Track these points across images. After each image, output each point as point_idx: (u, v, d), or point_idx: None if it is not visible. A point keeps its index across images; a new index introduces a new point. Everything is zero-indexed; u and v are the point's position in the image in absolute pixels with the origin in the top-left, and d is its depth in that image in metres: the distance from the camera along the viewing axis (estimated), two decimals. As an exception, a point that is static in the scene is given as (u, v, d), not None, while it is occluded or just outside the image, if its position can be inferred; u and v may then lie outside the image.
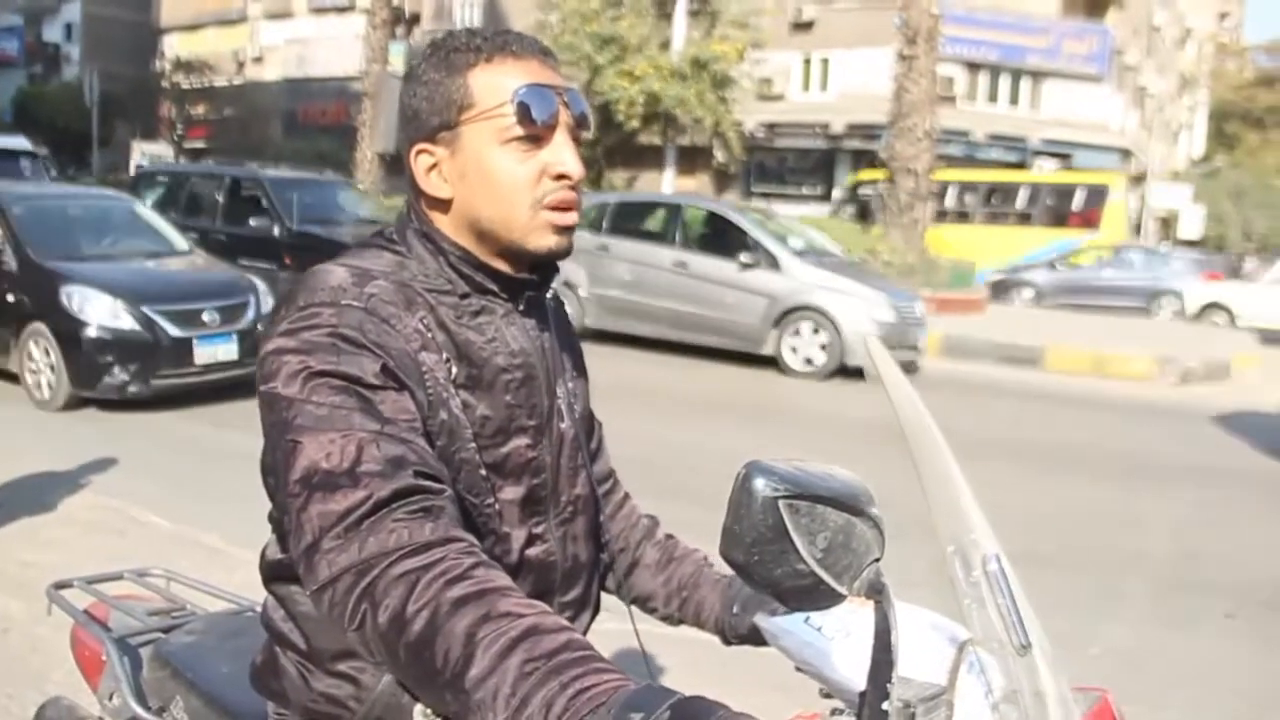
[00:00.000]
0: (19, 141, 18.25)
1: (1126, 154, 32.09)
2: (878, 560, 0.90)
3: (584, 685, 0.82)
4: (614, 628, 1.38)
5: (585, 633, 1.35)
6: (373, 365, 1.11)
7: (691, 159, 24.24)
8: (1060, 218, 20.85)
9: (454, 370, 1.21)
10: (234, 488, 5.39)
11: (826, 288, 10.53)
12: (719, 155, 23.61)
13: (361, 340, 1.12)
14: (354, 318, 1.13)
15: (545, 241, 1.23)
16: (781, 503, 0.84)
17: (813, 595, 0.87)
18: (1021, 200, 23.09)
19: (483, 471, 1.24)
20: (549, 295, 1.35)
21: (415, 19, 34.53)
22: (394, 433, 1.07)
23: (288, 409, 1.08)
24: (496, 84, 1.20)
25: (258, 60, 40.15)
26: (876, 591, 0.91)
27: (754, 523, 0.84)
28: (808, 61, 30.40)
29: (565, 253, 1.25)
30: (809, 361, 10.46)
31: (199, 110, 37.74)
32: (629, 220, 12.23)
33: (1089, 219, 20.29)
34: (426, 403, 1.16)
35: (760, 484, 0.84)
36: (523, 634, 0.88)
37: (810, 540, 0.85)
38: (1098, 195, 21.03)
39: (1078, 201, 20.89)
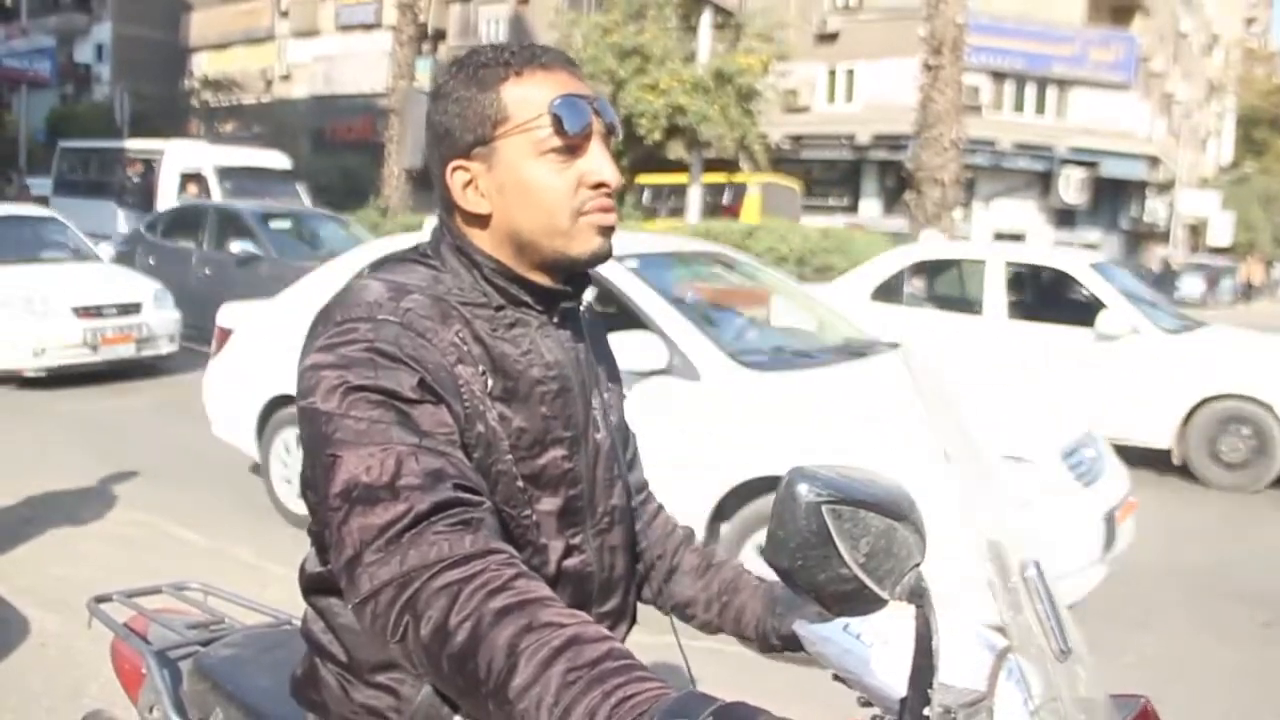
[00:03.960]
0: (274, 158, 15.87)
1: (1154, 161, 31.87)
2: (919, 565, 0.90)
3: (627, 693, 0.83)
4: (646, 640, 1.38)
5: (623, 643, 1.35)
6: (410, 379, 1.11)
7: (717, 172, 24.32)
8: (715, 210, 22.75)
9: (490, 383, 1.22)
10: (265, 502, 5.48)
11: None
12: (745, 168, 23.68)
13: (398, 354, 1.12)
14: (390, 332, 1.14)
15: (590, 245, 1.24)
16: (825, 508, 0.84)
17: (855, 600, 0.87)
18: (691, 197, 25.67)
19: (520, 483, 1.24)
20: (583, 306, 1.36)
21: (441, 35, 34.77)
22: (432, 446, 1.08)
23: (327, 424, 1.09)
24: (530, 97, 1.21)
25: (285, 78, 40.54)
26: (918, 597, 0.91)
27: (798, 528, 0.84)
28: (833, 73, 30.47)
29: (608, 255, 1.26)
30: None
31: (227, 128, 38.07)
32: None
33: (735, 211, 22.25)
34: (463, 415, 1.17)
35: (804, 489, 0.84)
36: (565, 643, 0.88)
37: (853, 545, 0.85)
38: (740, 191, 23.17)
39: (727, 197, 23.12)
